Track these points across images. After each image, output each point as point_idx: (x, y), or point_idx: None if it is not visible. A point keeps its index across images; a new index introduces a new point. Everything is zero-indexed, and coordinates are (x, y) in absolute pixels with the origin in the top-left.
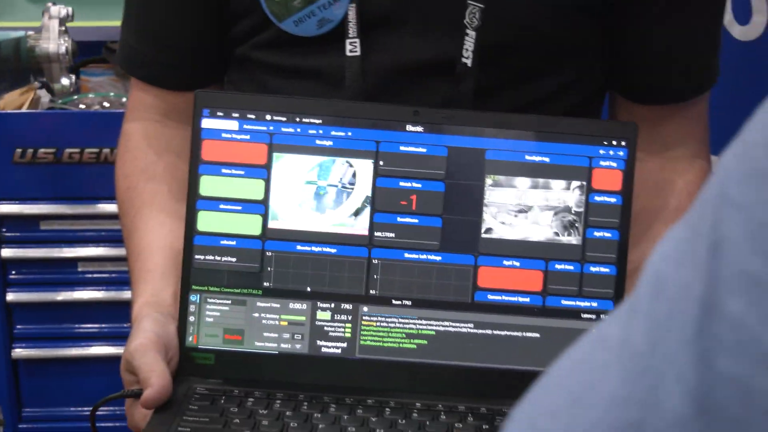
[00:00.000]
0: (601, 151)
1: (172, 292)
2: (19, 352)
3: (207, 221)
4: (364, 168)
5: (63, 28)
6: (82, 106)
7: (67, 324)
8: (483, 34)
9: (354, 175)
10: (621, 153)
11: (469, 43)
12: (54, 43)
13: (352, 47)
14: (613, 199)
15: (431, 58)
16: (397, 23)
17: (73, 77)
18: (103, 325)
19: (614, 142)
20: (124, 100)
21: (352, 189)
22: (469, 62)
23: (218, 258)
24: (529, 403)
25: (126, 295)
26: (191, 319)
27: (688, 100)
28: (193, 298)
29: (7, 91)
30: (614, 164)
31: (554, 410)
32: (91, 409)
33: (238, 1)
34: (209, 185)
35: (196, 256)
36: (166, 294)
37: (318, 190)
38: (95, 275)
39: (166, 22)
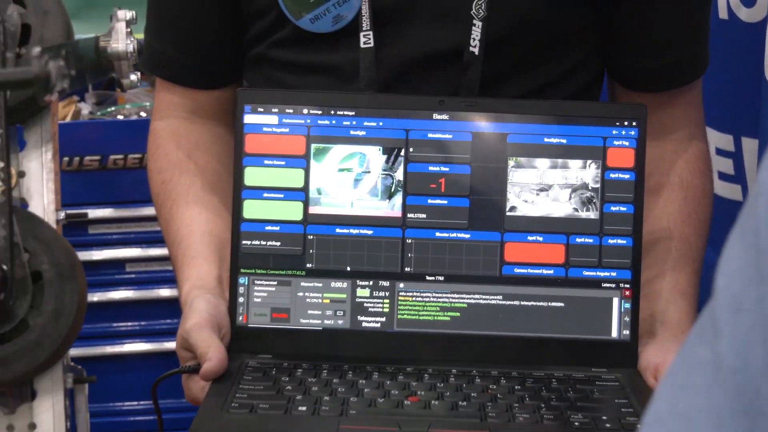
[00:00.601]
0: (614, 132)
1: (216, 275)
2: (72, 352)
3: (252, 209)
4: (396, 155)
5: (129, 30)
6: (120, 117)
7: (110, 322)
8: (489, 24)
9: (386, 161)
10: (632, 132)
11: (477, 33)
12: (123, 43)
13: (366, 39)
14: (626, 176)
15: (441, 48)
16: (408, 15)
17: (139, 74)
18: (143, 323)
19: (626, 123)
20: None
21: (386, 174)
22: (476, 51)
23: (263, 243)
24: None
25: (162, 292)
26: (241, 300)
27: (683, 86)
28: (242, 280)
29: (87, 87)
30: (626, 143)
31: None
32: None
33: (255, 0)
34: (253, 176)
35: (244, 242)
36: (210, 277)
37: (354, 176)
38: (134, 275)
39: (186, 24)
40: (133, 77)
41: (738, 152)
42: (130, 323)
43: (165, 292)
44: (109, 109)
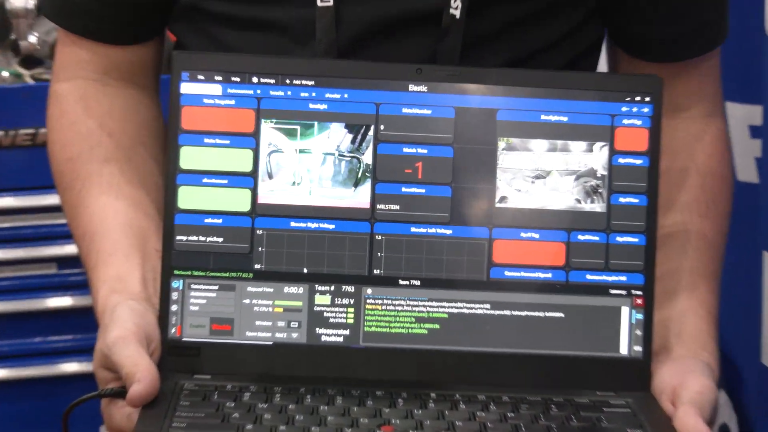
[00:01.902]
0: (624, 108)
1: (139, 276)
2: None
3: (189, 197)
4: (364, 133)
5: None
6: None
7: None
8: None
9: (352, 141)
10: (646, 109)
11: None
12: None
13: None
14: (639, 161)
15: (416, 9)
16: None
17: (38, 35)
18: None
19: (638, 98)
20: None
21: (351, 157)
22: (457, 13)
23: (203, 238)
24: None
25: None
26: (174, 307)
27: (699, 55)
28: (176, 284)
29: None
30: (639, 122)
31: None
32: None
33: None
34: (191, 157)
35: (178, 237)
36: (133, 279)
37: (313, 159)
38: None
39: None
40: (33, 39)
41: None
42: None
43: (54, 302)
44: None
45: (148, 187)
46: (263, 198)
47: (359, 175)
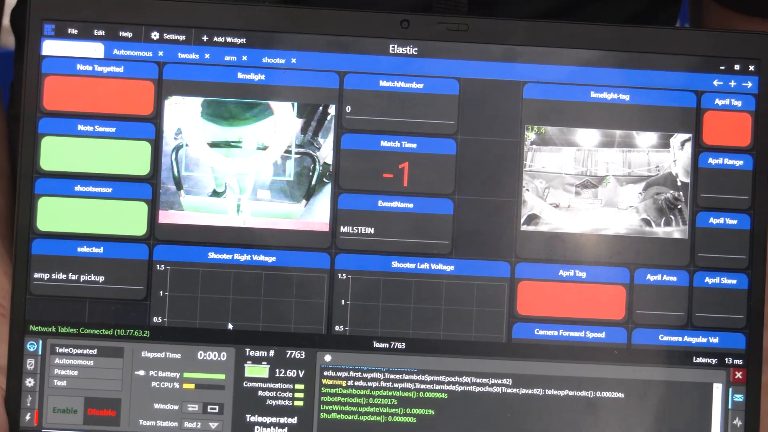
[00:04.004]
0: (717, 82)
1: None
2: None
3: (53, 214)
4: (320, 118)
5: None
6: None
7: None
8: None
9: (303, 130)
10: (749, 84)
11: None
12: None
13: None
14: (739, 161)
15: None
16: None
17: None
18: None
19: (737, 67)
20: None
21: (301, 154)
22: None
23: (73, 277)
24: None
25: None
26: (29, 382)
27: None
28: (31, 346)
29: None
30: (739, 103)
31: None
32: None
33: None
34: (56, 152)
35: (36, 275)
36: None
37: (242, 156)
38: None
39: None
40: None
41: None
42: None
43: None
44: None
45: None
46: (167, 216)
47: (314, 182)
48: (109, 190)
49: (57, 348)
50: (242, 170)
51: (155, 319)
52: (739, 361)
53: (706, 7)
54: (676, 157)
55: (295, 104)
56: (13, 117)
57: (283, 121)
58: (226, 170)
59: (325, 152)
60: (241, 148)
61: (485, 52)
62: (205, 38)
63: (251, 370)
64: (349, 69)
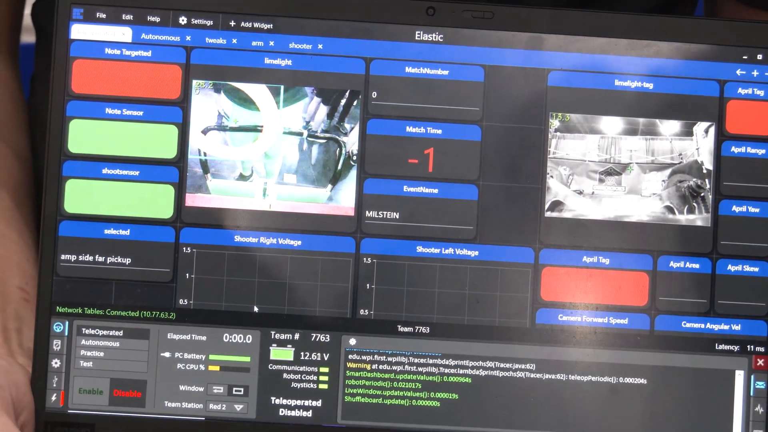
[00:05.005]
0: (741, 71)
1: None
2: None
3: (80, 197)
4: (347, 104)
5: None
6: None
7: None
8: None
9: (329, 115)
10: None
11: None
12: None
13: None
14: (761, 150)
15: None
16: None
17: None
18: None
19: (760, 57)
20: None
21: (327, 139)
22: None
23: (100, 259)
24: None
25: None
26: (55, 363)
27: None
28: (58, 327)
29: None
30: (762, 92)
31: None
32: None
33: None
34: (84, 136)
35: (63, 256)
36: None
37: (269, 141)
38: None
39: None
40: None
41: None
42: None
43: None
44: None
45: (13, 185)
46: (193, 200)
47: (339, 167)
48: (137, 173)
49: (83, 329)
50: (269, 154)
51: (181, 302)
52: (761, 349)
53: (720, 3)
54: (699, 145)
55: (320, 90)
56: (33, 107)
57: (308, 107)
58: (252, 154)
59: (351, 138)
60: (266, 133)
61: (510, 39)
62: (232, 23)
63: (276, 352)
64: (375, 55)
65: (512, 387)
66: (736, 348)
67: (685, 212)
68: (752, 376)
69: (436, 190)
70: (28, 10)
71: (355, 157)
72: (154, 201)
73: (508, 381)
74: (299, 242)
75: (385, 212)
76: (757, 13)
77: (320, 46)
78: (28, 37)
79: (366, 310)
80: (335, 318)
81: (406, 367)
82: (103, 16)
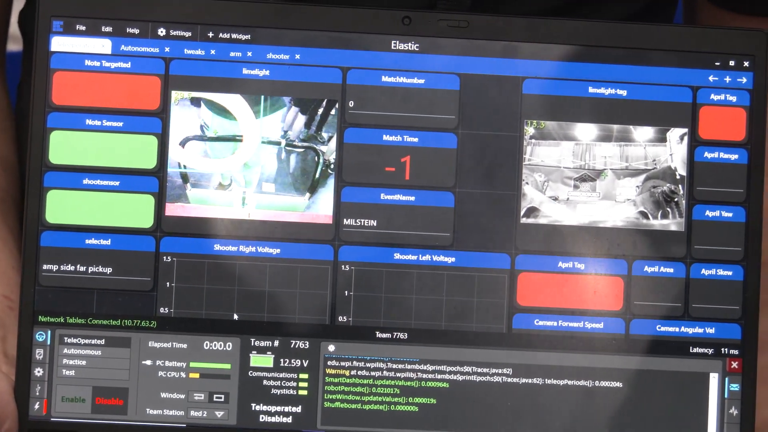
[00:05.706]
0: (713, 78)
1: None
2: None
3: (61, 207)
4: (324, 113)
5: None
6: None
7: None
8: None
9: (307, 124)
10: (744, 80)
11: None
12: None
13: None
14: (734, 156)
15: None
16: None
17: None
18: None
19: (732, 63)
20: None
21: (305, 148)
22: None
23: (81, 268)
24: None
25: None
26: (38, 371)
27: None
28: (40, 336)
29: None
30: (734, 98)
31: None
32: None
33: None
34: (65, 146)
35: (45, 266)
36: None
37: (247, 151)
38: None
39: None
40: None
41: None
42: None
43: None
44: None
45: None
46: (173, 209)
47: (317, 175)
48: (117, 183)
49: (65, 338)
50: (248, 164)
51: (162, 310)
52: (735, 351)
53: (699, 8)
54: (673, 151)
55: (298, 100)
56: (20, 114)
57: (286, 117)
58: (231, 164)
59: (329, 147)
60: (244, 142)
61: (485, 48)
62: (210, 34)
63: (256, 359)
64: (352, 65)
65: (489, 391)
66: (711, 351)
67: (659, 217)
68: (726, 379)
69: (413, 198)
70: (14, 18)
71: (332, 166)
72: (135, 211)
73: (485, 385)
74: (278, 250)
75: (362, 220)
76: (736, 17)
77: (297, 56)
78: (14, 45)
79: (345, 317)
80: (314, 325)
81: (385, 372)
82: (83, 28)
